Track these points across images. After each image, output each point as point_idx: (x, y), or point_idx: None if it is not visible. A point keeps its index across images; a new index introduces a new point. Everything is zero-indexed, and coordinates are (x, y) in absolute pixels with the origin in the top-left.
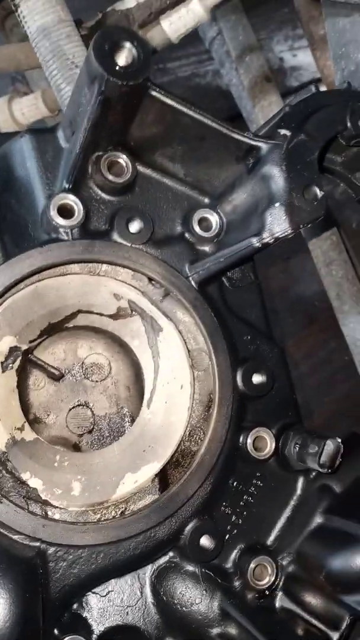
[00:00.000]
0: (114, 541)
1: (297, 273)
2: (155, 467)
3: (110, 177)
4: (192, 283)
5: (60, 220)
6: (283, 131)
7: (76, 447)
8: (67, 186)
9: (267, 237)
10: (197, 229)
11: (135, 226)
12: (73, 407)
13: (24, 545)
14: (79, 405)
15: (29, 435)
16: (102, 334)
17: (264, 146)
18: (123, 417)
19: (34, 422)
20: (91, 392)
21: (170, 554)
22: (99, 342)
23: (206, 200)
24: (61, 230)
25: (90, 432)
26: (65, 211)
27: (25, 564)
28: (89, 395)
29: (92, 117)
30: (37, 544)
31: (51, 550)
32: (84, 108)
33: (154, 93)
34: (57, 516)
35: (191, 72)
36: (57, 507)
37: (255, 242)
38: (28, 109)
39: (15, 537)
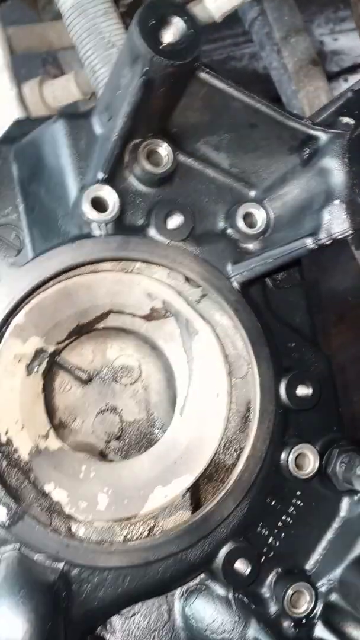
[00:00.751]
0: (142, 563)
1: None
2: (187, 480)
3: (149, 167)
4: (235, 284)
5: (93, 214)
6: (346, 119)
7: (102, 455)
8: (101, 176)
9: (324, 238)
10: (241, 224)
11: (174, 221)
12: (100, 412)
13: (46, 568)
14: (106, 410)
15: (53, 443)
16: (133, 335)
17: (323, 136)
18: (153, 424)
19: (58, 427)
20: (120, 396)
21: (202, 575)
22: (129, 343)
23: (252, 194)
24: (94, 224)
25: (117, 438)
26: (99, 204)
27: (47, 590)
28: (118, 399)
29: (132, 101)
30: (60, 565)
31: (75, 571)
32: (124, 91)
33: (202, 75)
34: (81, 532)
35: (227, 55)
36: (81, 521)
37: (310, 243)
38: (60, 91)
39: (37, 557)
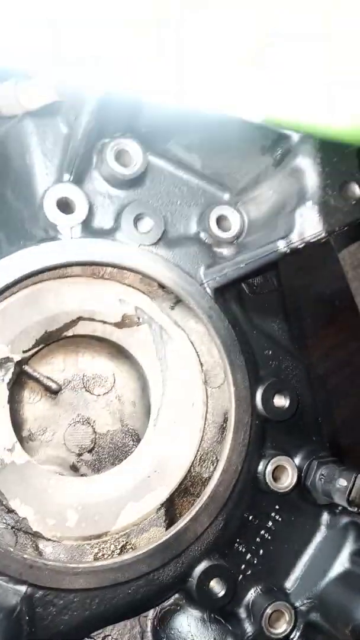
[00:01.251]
0: (111, 585)
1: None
2: (161, 495)
3: (118, 168)
4: (208, 290)
5: (59, 216)
6: None
7: (74, 468)
8: (68, 177)
9: (296, 241)
10: (214, 228)
11: (144, 225)
12: (72, 423)
13: (8, 590)
14: (78, 421)
15: (20, 457)
16: (105, 343)
17: (294, 135)
18: (127, 435)
19: (27, 439)
20: (93, 406)
21: (176, 595)
22: (102, 351)
23: (226, 197)
24: (60, 227)
25: (90, 451)
26: (66, 205)
27: (8, 614)
28: (90, 410)
29: (97, 97)
30: (23, 587)
31: (39, 594)
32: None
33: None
34: (49, 551)
35: None
36: (49, 539)
37: (281, 246)
38: (35, 92)
39: None
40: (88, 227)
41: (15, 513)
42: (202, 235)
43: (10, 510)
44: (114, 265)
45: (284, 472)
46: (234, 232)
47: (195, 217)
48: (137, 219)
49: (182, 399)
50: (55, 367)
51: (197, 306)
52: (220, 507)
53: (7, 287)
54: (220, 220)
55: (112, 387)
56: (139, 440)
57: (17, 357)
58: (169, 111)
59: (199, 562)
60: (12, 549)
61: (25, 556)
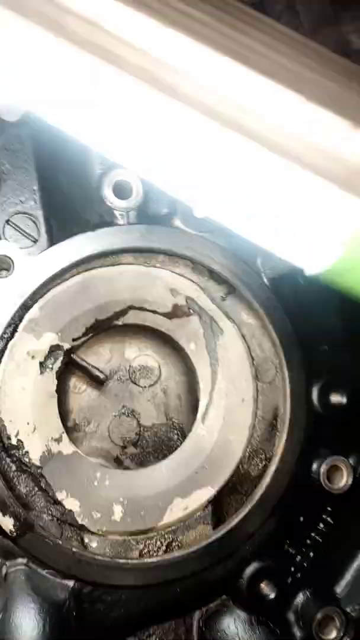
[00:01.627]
0: (160, 583)
1: None
2: (208, 492)
3: None
4: (265, 280)
5: (115, 201)
6: None
7: (117, 461)
8: None
9: None
10: None
11: (201, 210)
12: (117, 415)
13: (56, 585)
14: (123, 413)
15: (67, 448)
16: (153, 334)
17: None
18: (172, 430)
19: (72, 429)
20: (138, 399)
21: (223, 597)
22: (149, 342)
23: None
24: (116, 212)
25: (134, 444)
26: (122, 190)
27: (57, 610)
28: (135, 402)
29: None
30: (72, 582)
31: (87, 589)
32: None
33: None
34: (94, 545)
35: None
36: (94, 533)
37: None
38: None
39: (46, 572)
40: (143, 213)
41: (62, 505)
42: None
43: (56, 502)
44: (170, 253)
45: (338, 473)
46: None
47: None
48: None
49: (231, 394)
50: (101, 357)
51: (253, 297)
52: (272, 508)
53: (60, 274)
54: None
55: (157, 380)
56: (183, 435)
57: (66, 346)
58: None
59: (248, 563)
60: (60, 542)
61: (74, 550)
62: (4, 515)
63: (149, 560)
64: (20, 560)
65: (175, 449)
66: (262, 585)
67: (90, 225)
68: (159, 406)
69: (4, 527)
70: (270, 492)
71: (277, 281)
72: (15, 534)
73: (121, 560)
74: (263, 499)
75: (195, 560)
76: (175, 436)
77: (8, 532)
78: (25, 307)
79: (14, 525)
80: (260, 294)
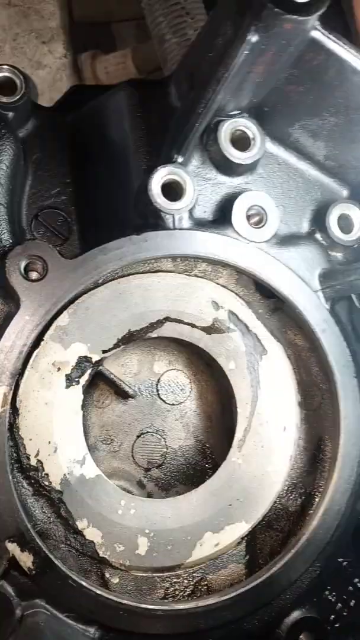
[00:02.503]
0: (191, 632)
1: None
2: (242, 527)
3: (233, 152)
4: (322, 300)
5: (163, 202)
6: None
7: (140, 485)
8: (177, 158)
9: None
10: (334, 228)
11: (256, 219)
12: (142, 434)
13: (77, 631)
14: (149, 432)
15: (90, 470)
16: (185, 349)
17: None
18: (201, 454)
19: (92, 448)
20: (165, 417)
21: None
22: (180, 357)
23: (344, 193)
24: (164, 214)
25: (159, 467)
26: (172, 190)
27: None
28: (162, 420)
29: (229, 65)
30: (94, 629)
31: (110, 636)
32: (217, 52)
33: (321, 38)
34: (115, 581)
35: None
36: (117, 568)
37: None
38: (114, 67)
39: (66, 616)
40: (190, 216)
41: (82, 535)
42: (318, 235)
43: (76, 532)
44: (215, 262)
45: None
46: (357, 235)
47: (309, 213)
48: (248, 212)
49: (272, 420)
50: (128, 370)
51: (307, 316)
52: (318, 552)
53: (95, 279)
54: (341, 219)
55: (187, 397)
56: (212, 460)
57: (96, 358)
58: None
59: (289, 612)
60: (83, 583)
61: (97, 591)
62: (22, 550)
63: (180, 606)
64: (38, 601)
65: (204, 475)
66: (302, 636)
67: (132, 227)
68: (187, 426)
69: (22, 564)
70: (318, 534)
71: (336, 301)
72: (34, 572)
73: (149, 606)
74: (309, 541)
75: (230, 608)
76: (204, 460)
77: (27, 570)
78: (53, 313)
79: (33, 563)
80: (316, 315)
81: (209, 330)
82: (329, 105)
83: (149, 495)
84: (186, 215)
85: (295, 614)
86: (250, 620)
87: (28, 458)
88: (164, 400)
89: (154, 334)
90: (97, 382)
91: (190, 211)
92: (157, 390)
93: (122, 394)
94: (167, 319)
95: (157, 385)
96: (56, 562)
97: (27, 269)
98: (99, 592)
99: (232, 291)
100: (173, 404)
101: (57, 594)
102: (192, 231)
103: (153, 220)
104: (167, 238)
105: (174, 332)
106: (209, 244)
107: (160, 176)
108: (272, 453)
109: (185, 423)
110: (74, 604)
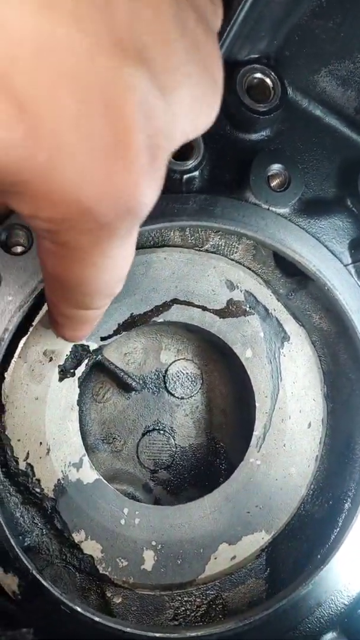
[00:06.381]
0: None
1: None
2: (262, 538)
3: (248, 102)
4: (353, 275)
5: (170, 160)
6: None
7: (146, 489)
8: None
9: None
10: None
11: (277, 181)
12: (147, 432)
13: None
14: (155, 429)
15: (88, 475)
16: (196, 335)
17: None
18: (214, 453)
19: (92, 449)
20: (174, 412)
21: None
22: (190, 344)
23: None
24: (170, 175)
25: (167, 468)
26: (179, 148)
27: None
28: (171, 416)
29: None
30: None
31: None
32: None
33: None
34: (118, 601)
35: None
36: (119, 586)
37: None
38: None
39: None
40: (202, 178)
41: (80, 549)
42: (349, 201)
43: (73, 545)
44: (228, 232)
45: None
46: None
47: (338, 176)
48: (268, 173)
49: (295, 415)
50: (131, 359)
51: (340, 295)
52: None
53: None
54: None
55: (198, 390)
56: (228, 461)
57: (93, 346)
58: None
59: (319, 636)
60: (78, 609)
61: (95, 619)
62: (5, 572)
63: (192, 634)
64: (24, 631)
65: (217, 477)
66: None
67: None
68: (198, 422)
69: (5, 588)
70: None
71: None
72: (20, 597)
73: (157, 634)
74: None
75: (251, 633)
76: (217, 460)
77: (11, 594)
78: (42, 296)
79: (18, 586)
80: (345, 291)
81: (223, 313)
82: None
83: (157, 500)
84: (197, 177)
85: (328, 637)
86: None
87: (16, 462)
88: (172, 394)
89: (159, 319)
90: (96, 374)
91: (202, 172)
92: (165, 383)
93: (125, 387)
94: (174, 301)
95: (164, 376)
96: (46, 584)
97: (8, 241)
98: (96, 619)
99: (248, 268)
100: (182, 398)
101: (47, 622)
102: (203, 195)
103: None
104: (174, 203)
105: (182, 316)
106: (223, 211)
107: None
108: (296, 453)
109: (196, 419)
110: (67, 634)
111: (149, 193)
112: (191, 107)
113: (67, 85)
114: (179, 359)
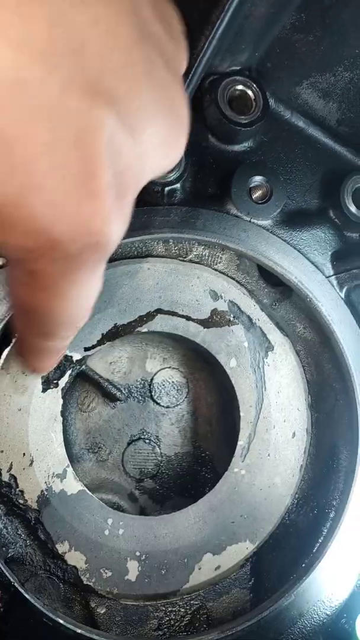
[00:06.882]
0: None
1: None
2: (247, 548)
3: (230, 114)
4: (335, 287)
5: None
6: None
7: (132, 498)
8: None
9: None
10: (350, 205)
11: (259, 193)
12: (133, 441)
13: None
14: (141, 438)
15: (71, 485)
16: (181, 344)
17: None
18: (200, 462)
19: (76, 458)
20: (159, 421)
21: None
22: (175, 352)
23: None
24: (151, 187)
25: (152, 477)
26: None
27: None
28: (156, 425)
29: (224, 6)
30: None
31: None
32: None
33: None
34: (102, 611)
35: None
36: (103, 596)
37: None
38: None
39: None
40: (184, 191)
41: (63, 560)
42: (331, 213)
43: (56, 556)
44: (209, 244)
45: None
46: None
47: (320, 188)
48: (250, 185)
49: (279, 425)
50: (116, 369)
51: (322, 306)
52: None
53: None
54: (356, 194)
55: (184, 399)
56: (213, 470)
57: (77, 356)
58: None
59: None
60: (60, 620)
61: (78, 631)
62: None
63: (172, 633)
64: None
65: (203, 486)
66: None
67: None
68: (184, 431)
69: None
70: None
71: (352, 289)
72: (2, 609)
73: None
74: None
75: None
76: (204, 470)
77: None
78: None
79: (1, 599)
80: (327, 302)
81: (207, 323)
82: (343, 57)
83: (142, 510)
84: (178, 189)
85: None
86: None
87: None
88: (157, 403)
89: (143, 329)
90: (81, 383)
91: (183, 184)
92: (150, 391)
93: (110, 397)
94: (158, 310)
95: (149, 385)
96: (28, 596)
97: None
98: (79, 630)
99: (232, 278)
100: (168, 407)
101: (30, 634)
102: (185, 207)
103: (139, 195)
104: (155, 215)
105: (166, 326)
106: (204, 223)
107: None
108: (280, 463)
109: (181, 428)
110: None
111: (116, 230)
112: (159, 146)
113: (40, 118)
114: (164, 368)
